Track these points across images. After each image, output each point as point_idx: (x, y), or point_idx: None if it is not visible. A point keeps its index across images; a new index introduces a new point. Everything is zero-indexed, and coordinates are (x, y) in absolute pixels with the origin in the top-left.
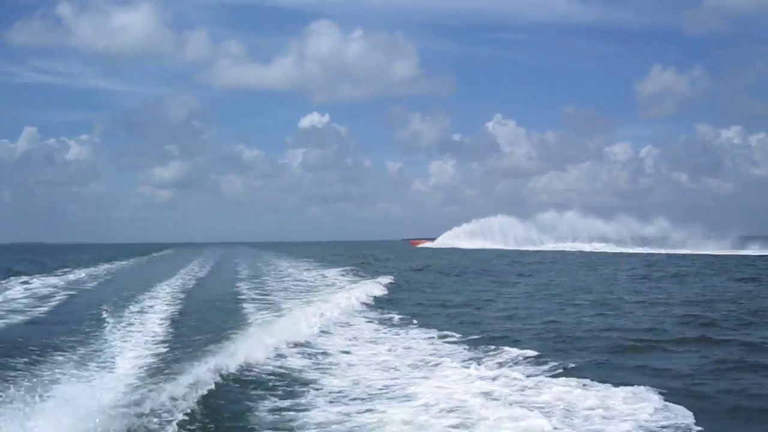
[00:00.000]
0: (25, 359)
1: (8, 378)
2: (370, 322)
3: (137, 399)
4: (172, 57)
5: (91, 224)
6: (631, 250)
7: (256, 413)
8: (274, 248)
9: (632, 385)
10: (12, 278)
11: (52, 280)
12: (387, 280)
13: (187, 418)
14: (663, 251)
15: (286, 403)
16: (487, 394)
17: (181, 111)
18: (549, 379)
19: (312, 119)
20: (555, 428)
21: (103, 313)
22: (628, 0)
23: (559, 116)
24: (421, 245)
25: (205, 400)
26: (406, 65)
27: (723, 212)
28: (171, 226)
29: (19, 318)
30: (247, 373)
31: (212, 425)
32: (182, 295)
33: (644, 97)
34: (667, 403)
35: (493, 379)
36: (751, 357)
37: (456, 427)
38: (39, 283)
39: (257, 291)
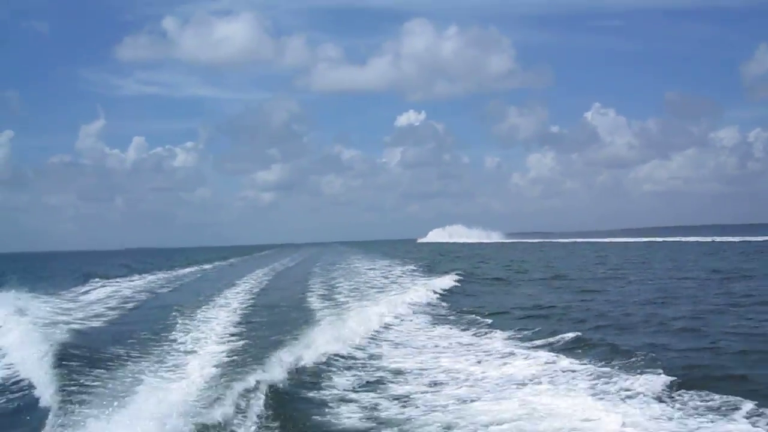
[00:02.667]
0: (106, 361)
1: (88, 381)
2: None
3: (211, 399)
4: (272, 63)
5: (198, 228)
6: None
7: (330, 413)
8: (366, 247)
9: None
10: (98, 279)
11: (139, 282)
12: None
13: (259, 419)
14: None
15: (363, 401)
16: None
17: (281, 115)
18: None
19: (408, 117)
20: None
21: (179, 313)
22: None
23: (661, 102)
24: (419, 241)
25: (277, 401)
26: (501, 59)
27: None
28: (274, 227)
29: (102, 320)
30: (322, 371)
31: (284, 426)
32: (259, 294)
33: (751, 79)
34: None
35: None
36: None
37: None
38: (121, 286)
39: (329, 290)
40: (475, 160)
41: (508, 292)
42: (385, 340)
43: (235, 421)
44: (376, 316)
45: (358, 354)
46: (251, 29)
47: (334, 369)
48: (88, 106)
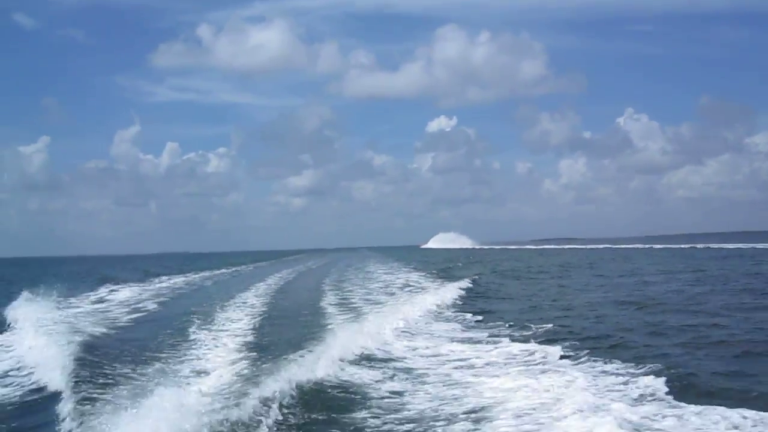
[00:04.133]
0: (123, 364)
1: (105, 384)
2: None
3: (229, 404)
4: (304, 69)
5: (229, 233)
6: None
7: (349, 416)
8: (385, 252)
9: None
10: (122, 283)
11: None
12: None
13: (277, 421)
14: None
15: (384, 409)
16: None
17: (313, 121)
18: None
19: (440, 123)
20: None
21: (199, 317)
22: None
23: (695, 107)
24: (422, 246)
25: (295, 404)
26: (533, 65)
27: None
28: (304, 233)
29: (122, 323)
30: (342, 377)
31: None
32: (279, 298)
33: None
34: None
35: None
36: None
37: None
38: (139, 289)
39: (343, 295)
40: (506, 165)
41: None
42: (405, 344)
43: (255, 426)
44: (398, 318)
45: (377, 359)
46: (284, 36)
47: (354, 374)
48: (123, 112)
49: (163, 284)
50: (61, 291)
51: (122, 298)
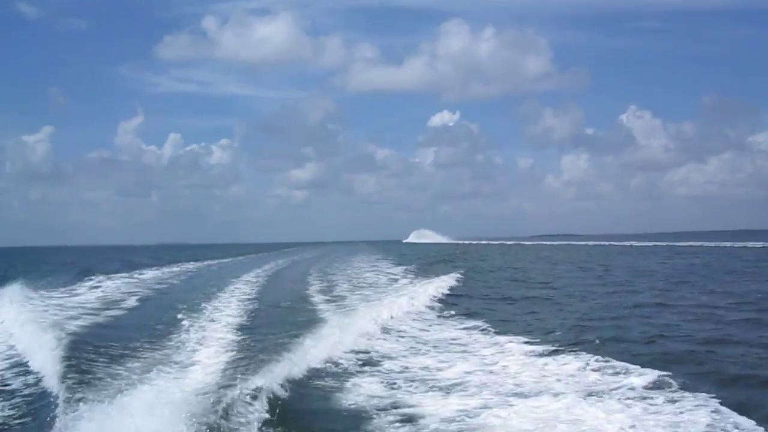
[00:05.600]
0: (106, 358)
1: (93, 376)
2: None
3: (215, 398)
4: (308, 62)
5: (231, 225)
6: None
7: (335, 412)
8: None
9: None
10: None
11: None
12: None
13: (262, 417)
14: None
15: (370, 405)
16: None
17: (317, 114)
18: None
19: (443, 117)
20: None
21: (187, 308)
22: None
23: (698, 105)
24: (404, 241)
25: (281, 399)
26: (538, 61)
27: None
28: (306, 225)
29: (110, 314)
30: (328, 370)
31: (288, 424)
32: (266, 290)
33: None
34: None
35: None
36: None
37: None
38: (127, 281)
39: (329, 288)
40: (508, 161)
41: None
42: (392, 339)
43: (239, 419)
44: (384, 312)
45: (364, 354)
46: (288, 29)
47: (341, 368)
48: (127, 103)
49: (148, 276)
50: (44, 283)
51: (105, 291)
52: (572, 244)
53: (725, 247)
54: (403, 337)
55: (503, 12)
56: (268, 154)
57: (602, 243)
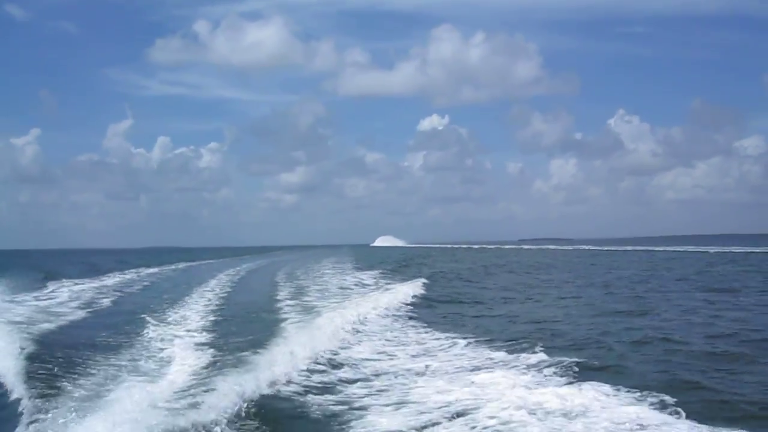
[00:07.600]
0: (80, 361)
1: (61, 382)
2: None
3: (185, 403)
4: (299, 66)
5: (220, 228)
6: None
7: (305, 418)
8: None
9: None
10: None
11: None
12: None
13: (231, 421)
14: None
15: (337, 406)
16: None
17: (307, 118)
18: None
19: (432, 121)
20: None
21: (156, 312)
22: None
23: (686, 110)
24: (372, 245)
25: (252, 404)
26: (527, 66)
27: None
28: (295, 229)
29: (77, 319)
30: (298, 373)
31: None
32: (235, 293)
33: None
34: None
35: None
36: None
37: None
38: (99, 285)
39: (297, 293)
40: (497, 165)
41: None
42: (359, 341)
43: (210, 422)
44: (353, 314)
45: (331, 356)
46: (279, 33)
47: (311, 370)
48: (116, 106)
49: (116, 279)
50: (11, 286)
51: (71, 295)
52: (543, 248)
53: (707, 252)
54: (370, 340)
55: (493, 17)
56: (258, 158)
57: (582, 247)
